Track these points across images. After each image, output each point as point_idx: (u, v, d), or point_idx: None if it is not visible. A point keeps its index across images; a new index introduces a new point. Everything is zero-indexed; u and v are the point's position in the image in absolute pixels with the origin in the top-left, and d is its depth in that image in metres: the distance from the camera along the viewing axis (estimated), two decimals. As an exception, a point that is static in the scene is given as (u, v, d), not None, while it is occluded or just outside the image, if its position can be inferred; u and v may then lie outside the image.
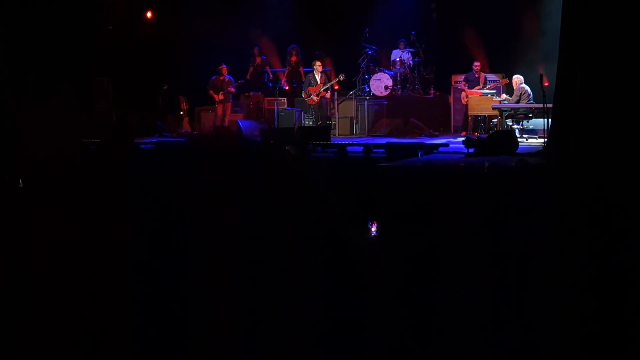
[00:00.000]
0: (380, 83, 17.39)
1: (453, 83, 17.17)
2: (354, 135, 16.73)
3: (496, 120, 15.13)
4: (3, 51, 14.89)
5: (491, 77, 16.63)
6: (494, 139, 12.16)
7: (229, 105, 17.16)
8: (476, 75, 16.39)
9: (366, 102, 17.11)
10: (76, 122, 13.99)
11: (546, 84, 12.85)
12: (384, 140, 14.06)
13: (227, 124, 16.68)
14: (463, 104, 16.35)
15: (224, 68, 16.99)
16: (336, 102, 16.97)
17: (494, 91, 15.83)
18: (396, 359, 7.89)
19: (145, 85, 17.26)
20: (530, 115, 14.48)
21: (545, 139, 12.06)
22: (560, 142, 10.01)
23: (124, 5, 18.07)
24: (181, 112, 17.60)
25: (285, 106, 17.20)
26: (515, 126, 14.45)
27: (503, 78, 16.28)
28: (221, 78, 16.99)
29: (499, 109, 14.81)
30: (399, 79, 17.61)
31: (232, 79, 17.15)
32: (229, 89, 16.94)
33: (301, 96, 17.12)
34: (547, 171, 9.21)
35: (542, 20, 15.99)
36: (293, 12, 19.05)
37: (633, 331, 7.60)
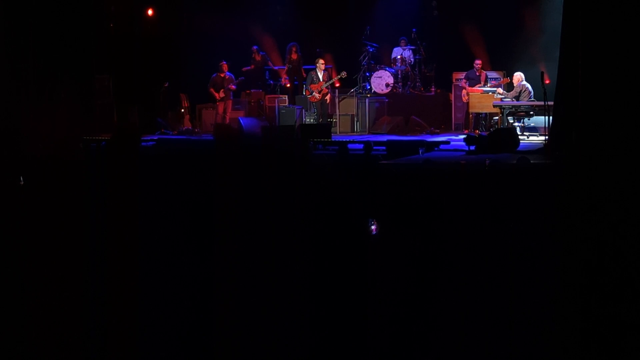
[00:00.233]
0: (382, 81, 17.38)
1: (454, 81, 17.16)
2: (355, 133, 16.72)
3: (497, 117, 15.12)
4: (4, 48, 14.86)
5: (492, 74, 16.62)
6: (495, 136, 12.13)
7: (230, 102, 17.15)
8: (477, 74, 16.39)
9: (367, 99, 17.09)
10: (77, 120, 13.98)
11: (547, 82, 12.84)
12: (384, 138, 14.05)
13: (228, 121, 16.67)
14: (464, 102, 16.34)
15: (224, 65, 16.99)
16: (337, 99, 16.95)
17: (495, 89, 15.81)
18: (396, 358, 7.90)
19: (146, 82, 17.24)
20: (532, 112, 14.46)
21: (547, 137, 12.04)
22: (562, 140, 10.00)
23: (125, 3, 18.05)
24: (182, 110, 17.58)
25: (287, 104, 17.18)
26: (516, 124, 14.43)
27: (504, 76, 16.27)
28: (222, 75, 16.98)
29: (500, 107, 14.79)
30: (400, 76, 17.60)
31: (232, 76, 17.13)
32: (229, 86, 16.93)
33: (302, 94, 17.08)
34: (548, 169, 9.20)
35: (543, 18, 15.99)
36: (294, 9, 19.05)
37: (632, 330, 7.60)
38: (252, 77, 18.22)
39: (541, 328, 8.07)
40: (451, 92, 17.16)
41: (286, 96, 17.56)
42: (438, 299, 8.58)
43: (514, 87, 15.39)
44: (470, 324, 8.34)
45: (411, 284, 8.66)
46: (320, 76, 16.35)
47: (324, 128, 14.57)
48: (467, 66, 16.58)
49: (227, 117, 16.92)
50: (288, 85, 17.98)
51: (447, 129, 16.67)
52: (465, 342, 8.29)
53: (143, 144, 12.84)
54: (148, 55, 17.59)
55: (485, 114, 15.87)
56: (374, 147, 11.81)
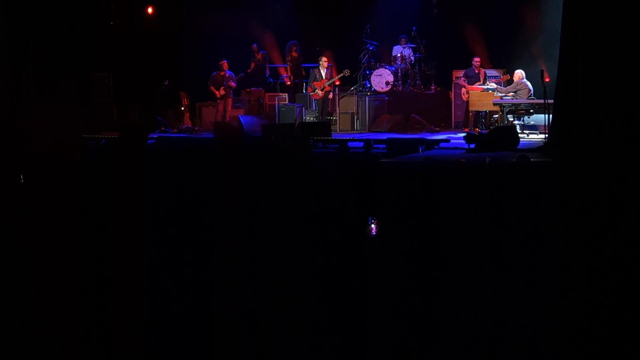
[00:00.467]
0: (382, 79, 17.38)
1: (454, 79, 17.17)
2: (355, 131, 16.73)
3: (497, 116, 15.13)
4: (4, 46, 14.88)
5: (492, 72, 16.63)
6: (495, 134, 12.14)
7: (230, 101, 17.16)
8: (476, 71, 16.40)
9: (367, 97, 17.10)
10: (77, 118, 13.99)
11: (547, 80, 12.85)
12: (384, 136, 14.05)
13: (228, 119, 16.68)
14: (464, 100, 16.35)
15: (224, 63, 16.99)
16: (337, 97, 16.96)
17: (494, 86, 15.82)
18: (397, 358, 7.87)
19: (146, 80, 17.25)
20: (532, 111, 14.47)
21: (547, 135, 12.05)
22: (562, 138, 10.00)
23: (125, 1, 18.06)
24: (182, 108, 17.59)
25: (287, 102, 17.20)
26: (516, 122, 14.44)
27: (504, 74, 16.28)
28: (222, 73, 16.99)
29: (500, 105, 14.80)
30: (400, 74, 17.60)
31: (232, 74, 17.14)
32: (229, 83, 16.94)
33: (302, 92, 17.09)
34: (548, 167, 9.20)
35: (543, 16, 15.98)
36: (294, 8, 19.06)
37: (632, 330, 7.60)
38: (253, 75, 18.23)
39: (541, 327, 8.08)
40: (451, 90, 17.17)
41: (286, 94, 17.57)
42: (438, 298, 8.59)
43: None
44: (470, 322, 8.34)
45: (411, 283, 8.66)
46: (323, 74, 16.37)
47: (324, 126, 14.58)
48: (467, 64, 16.59)
49: (227, 116, 16.94)
50: (288, 83, 18.00)
51: (447, 127, 16.67)
52: (465, 342, 8.30)
53: (143, 142, 12.84)
54: (148, 53, 17.60)
55: (485, 112, 15.88)
56: (374, 145, 11.82)
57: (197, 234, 9.02)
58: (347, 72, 16.36)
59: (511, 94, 15.11)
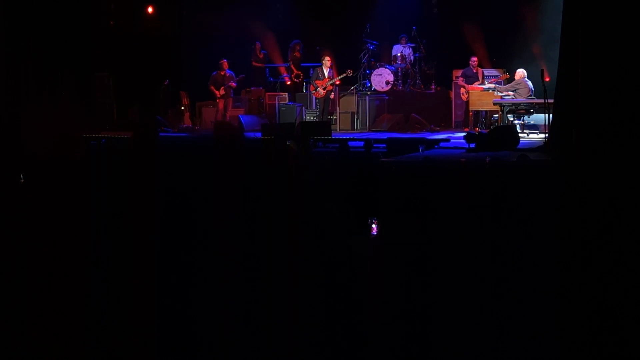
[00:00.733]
0: (382, 78, 17.38)
1: (454, 78, 17.17)
2: (355, 131, 16.73)
3: (497, 115, 15.13)
4: (4, 46, 14.88)
5: (492, 72, 16.63)
6: (495, 134, 12.14)
7: (230, 100, 17.17)
8: (474, 71, 16.39)
9: (367, 97, 17.10)
10: (77, 117, 14.00)
11: (547, 79, 12.85)
12: (385, 136, 14.07)
13: (228, 119, 16.68)
14: (464, 100, 16.35)
15: (225, 63, 17.00)
16: (337, 97, 16.97)
17: (494, 85, 15.82)
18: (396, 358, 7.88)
19: (146, 80, 17.25)
20: (532, 110, 14.47)
21: (547, 135, 12.05)
22: (562, 138, 10.00)
23: (125, 0, 18.07)
24: (182, 107, 17.59)
25: (287, 101, 17.20)
26: (516, 121, 14.44)
27: (504, 73, 16.27)
28: (222, 73, 16.99)
29: (500, 104, 14.80)
30: (400, 74, 17.60)
31: (232, 73, 17.14)
32: (230, 83, 16.95)
33: (303, 91, 17.09)
34: (548, 167, 9.21)
35: (543, 15, 15.98)
36: (294, 7, 19.06)
37: (632, 330, 7.60)
38: (253, 74, 18.23)
39: (541, 327, 8.08)
40: (451, 90, 17.17)
41: (286, 94, 17.58)
42: (438, 297, 8.59)
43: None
44: (470, 322, 8.35)
45: (411, 282, 8.66)
46: (326, 73, 16.39)
47: (324, 126, 14.59)
48: (468, 64, 16.57)
49: (227, 115, 16.94)
50: (289, 82, 18.00)
51: (447, 126, 16.68)
52: (465, 342, 8.30)
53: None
54: (148, 52, 17.60)
55: (485, 111, 15.87)
56: (374, 145, 11.83)
57: (197, 234, 9.02)
58: (349, 73, 16.36)
59: (511, 93, 15.10)
